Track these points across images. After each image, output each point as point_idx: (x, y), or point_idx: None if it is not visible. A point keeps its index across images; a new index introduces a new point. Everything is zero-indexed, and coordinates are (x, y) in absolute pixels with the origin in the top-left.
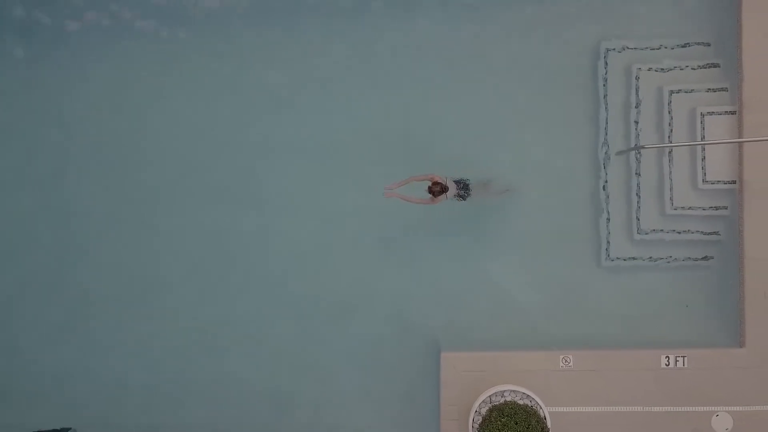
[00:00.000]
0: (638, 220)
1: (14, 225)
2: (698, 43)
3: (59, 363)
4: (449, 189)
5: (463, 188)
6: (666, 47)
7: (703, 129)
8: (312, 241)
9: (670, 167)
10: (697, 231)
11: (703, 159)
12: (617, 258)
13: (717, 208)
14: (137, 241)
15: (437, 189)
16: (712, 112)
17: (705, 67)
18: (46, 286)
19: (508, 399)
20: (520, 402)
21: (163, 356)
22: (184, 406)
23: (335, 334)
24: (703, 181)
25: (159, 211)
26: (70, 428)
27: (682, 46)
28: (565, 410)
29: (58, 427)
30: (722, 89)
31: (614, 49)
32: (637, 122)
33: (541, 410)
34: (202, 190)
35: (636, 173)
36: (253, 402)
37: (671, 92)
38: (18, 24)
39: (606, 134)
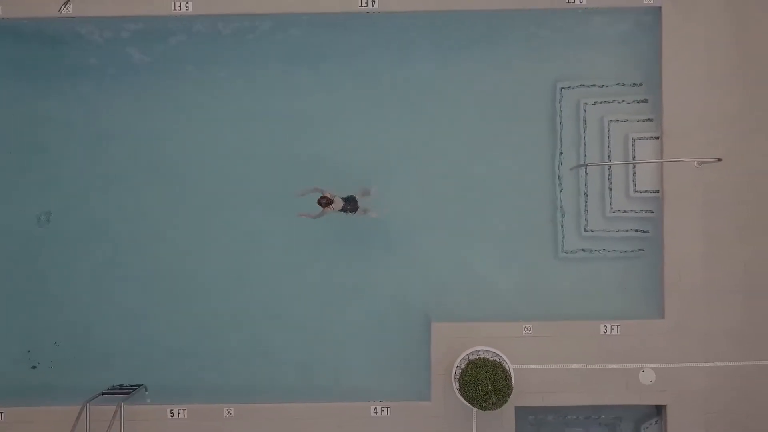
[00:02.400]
0: (586, 221)
1: (85, 221)
2: (632, 84)
3: (131, 333)
4: (335, 203)
5: (350, 201)
6: (607, 86)
7: (634, 150)
8: (326, 237)
9: (609, 180)
10: (631, 229)
11: (634, 174)
12: (570, 250)
13: (645, 212)
14: (188, 238)
15: (324, 201)
16: (641, 138)
17: (637, 102)
18: (121, 272)
19: (482, 356)
20: (490, 358)
21: (210, 330)
22: (226, 370)
23: (347, 312)
24: (634, 191)
25: (206, 212)
26: (142, 384)
27: (620, 86)
28: (525, 367)
29: (130, 384)
30: (649, 120)
31: (568, 87)
32: (584, 145)
33: (506, 365)
34: (240, 195)
35: (584, 184)
36: (281, 368)
37: (610, 121)
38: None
39: (561, 154)
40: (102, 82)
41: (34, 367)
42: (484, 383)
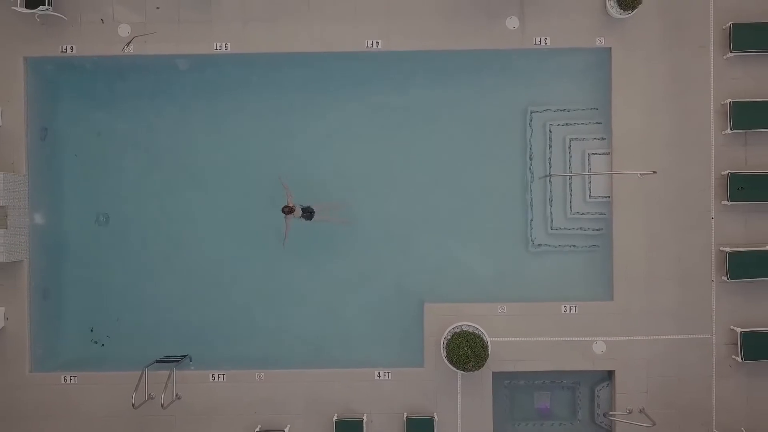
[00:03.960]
0: (551, 221)
1: (137, 221)
2: (590, 108)
3: (177, 313)
4: (295, 210)
5: (307, 211)
6: (569, 110)
7: (590, 164)
8: (336, 237)
9: (570, 188)
10: (588, 228)
11: (590, 183)
12: (538, 245)
13: (599, 214)
14: (222, 234)
15: (286, 210)
16: (595, 153)
17: (592, 124)
18: (168, 263)
19: (464, 329)
20: (471, 331)
21: (243, 310)
22: (256, 342)
23: (356, 296)
24: (589, 197)
25: (236, 213)
26: (187, 355)
27: (579, 110)
28: (500, 339)
29: (178, 354)
30: (602, 138)
31: (536, 111)
32: (550, 158)
33: (484, 336)
34: (266, 199)
35: (549, 191)
36: (302, 341)
37: (571, 140)
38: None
39: (531, 165)
40: (153, 106)
41: (95, 342)
42: (465, 350)
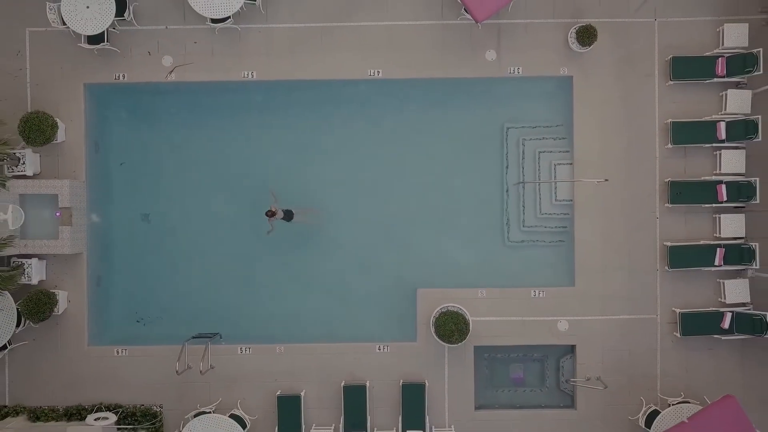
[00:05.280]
0: (524, 219)
1: (175, 219)
2: (556, 125)
3: (208, 299)
4: (277, 213)
5: (287, 214)
6: (540, 127)
7: (555, 172)
8: (342, 234)
9: (539, 192)
10: (555, 226)
11: (555, 188)
12: (513, 240)
13: (563, 214)
14: (246, 232)
15: (269, 213)
16: (560, 163)
17: (558, 139)
18: (201, 256)
19: (450, 309)
20: (455, 310)
21: (263, 297)
22: (276, 322)
23: (359, 283)
24: (555, 200)
25: (258, 214)
26: (218, 333)
27: (547, 127)
28: (481, 319)
29: (211, 332)
30: (566, 151)
31: (511, 128)
32: (523, 168)
33: (466, 315)
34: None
35: (522, 195)
36: (315, 321)
37: (540, 152)
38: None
39: (507, 174)
40: (188, 123)
41: (139, 321)
42: (450, 326)
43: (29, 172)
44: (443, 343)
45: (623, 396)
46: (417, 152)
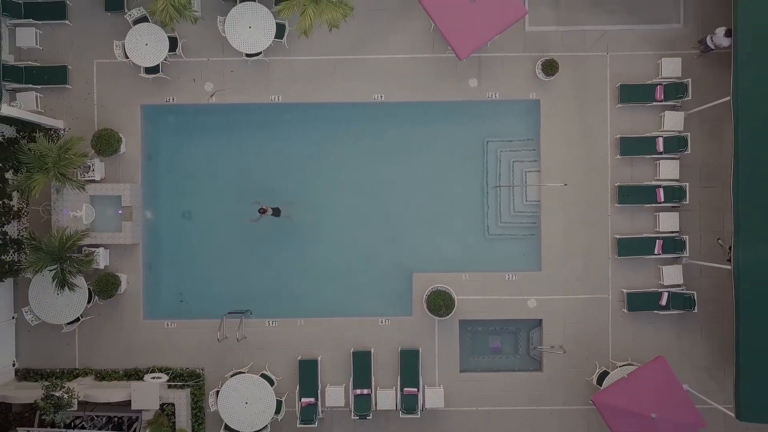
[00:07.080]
0: (500, 216)
1: (212, 216)
2: (527, 139)
3: (239, 282)
4: (267, 211)
5: (276, 211)
6: (514, 140)
7: (526, 178)
8: (345, 232)
9: (512, 194)
10: (527, 222)
11: (526, 191)
12: (492, 234)
13: (532, 212)
14: (269, 229)
15: (261, 211)
16: (530, 171)
17: (529, 150)
18: (234, 249)
19: (439, 289)
20: (443, 290)
21: (286, 280)
22: (297, 301)
23: (365, 270)
24: (526, 201)
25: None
26: (248, 310)
27: (520, 140)
28: (465, 297)
29: (242, 309)
30: (535, 161)
31: (490, 141)
32: (499, 174)
33: (452, 294)
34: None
35: (499, 196)
36: (325, 301)
37: (513, 161)
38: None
39: (486, 179)
40: (223, 137)
41: (182, 301)
42: (439, 301)
43: (97, 177)
44: (434, 317)
45: (581, 361)
46: (413, 161)
